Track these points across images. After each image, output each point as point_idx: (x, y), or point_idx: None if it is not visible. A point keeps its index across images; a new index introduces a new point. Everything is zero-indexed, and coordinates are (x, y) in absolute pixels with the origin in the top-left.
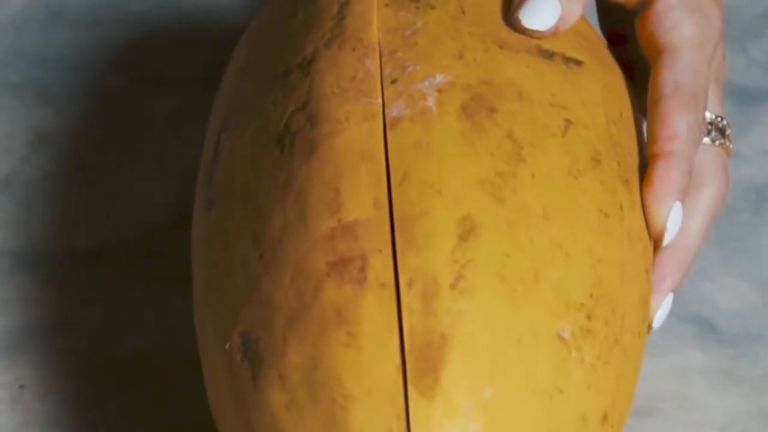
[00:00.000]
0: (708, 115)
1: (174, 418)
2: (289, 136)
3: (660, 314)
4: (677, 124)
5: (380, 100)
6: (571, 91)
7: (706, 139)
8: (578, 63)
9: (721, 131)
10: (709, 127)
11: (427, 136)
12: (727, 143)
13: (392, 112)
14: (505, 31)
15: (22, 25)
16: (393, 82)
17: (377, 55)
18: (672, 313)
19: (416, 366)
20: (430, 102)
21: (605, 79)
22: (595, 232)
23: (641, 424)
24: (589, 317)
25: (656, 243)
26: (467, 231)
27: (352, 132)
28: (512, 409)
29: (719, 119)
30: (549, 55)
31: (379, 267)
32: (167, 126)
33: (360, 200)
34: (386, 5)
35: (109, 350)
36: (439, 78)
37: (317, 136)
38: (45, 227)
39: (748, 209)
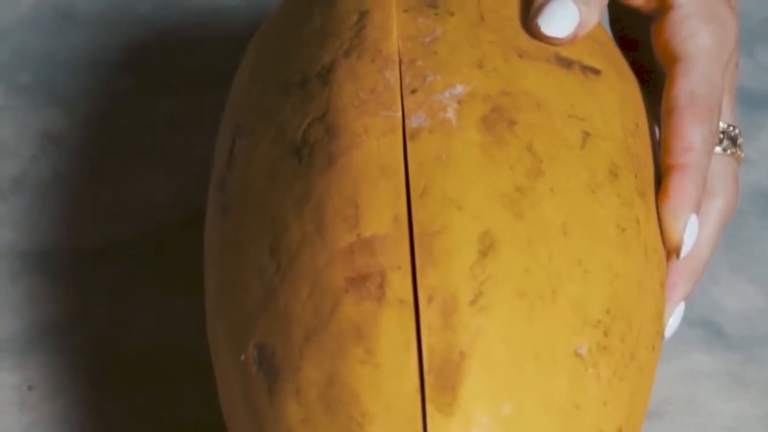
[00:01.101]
0: (720, 124)
1: (178, 418)
2: (307, 147)
3: (672, 322)
4: (692, 136)
5: (400, 113)
6: (590, 101)
7: (718, 148)
8: (596, 72)
9: (733, 140)
10: (721, 136)
11: (447, 148)
12: (739, 152)
13: (412, 123)
14: (523, 39)
15: (30, 27)
16: (413, 92)
17: (397, 67)
18: None
19: (435, 383)
20: (450, 113)
21: (622, 89)
22: (612, 246)
23: (649, 427)
24: (606, 334)
25: (669, 254)
26: (487, 247)
27: (371, 145)
28: (530, 425)
29: (731, 128)
30: (567, 63)
31: (398, 284)
32: (174, 127)
33: (379, 215)
34: (405, 11)
35: (113, 351)
36: (459, 88)
37: (336, 148)
38: (53, 227)
39: (755, 213)
